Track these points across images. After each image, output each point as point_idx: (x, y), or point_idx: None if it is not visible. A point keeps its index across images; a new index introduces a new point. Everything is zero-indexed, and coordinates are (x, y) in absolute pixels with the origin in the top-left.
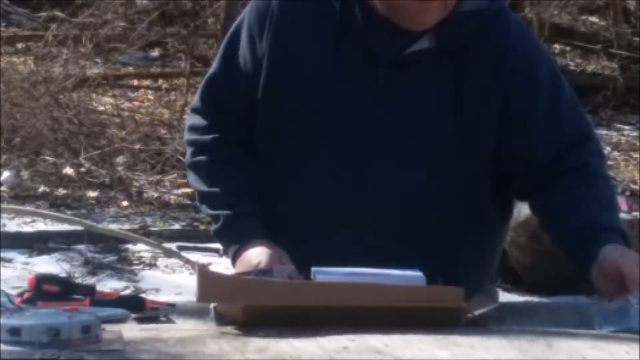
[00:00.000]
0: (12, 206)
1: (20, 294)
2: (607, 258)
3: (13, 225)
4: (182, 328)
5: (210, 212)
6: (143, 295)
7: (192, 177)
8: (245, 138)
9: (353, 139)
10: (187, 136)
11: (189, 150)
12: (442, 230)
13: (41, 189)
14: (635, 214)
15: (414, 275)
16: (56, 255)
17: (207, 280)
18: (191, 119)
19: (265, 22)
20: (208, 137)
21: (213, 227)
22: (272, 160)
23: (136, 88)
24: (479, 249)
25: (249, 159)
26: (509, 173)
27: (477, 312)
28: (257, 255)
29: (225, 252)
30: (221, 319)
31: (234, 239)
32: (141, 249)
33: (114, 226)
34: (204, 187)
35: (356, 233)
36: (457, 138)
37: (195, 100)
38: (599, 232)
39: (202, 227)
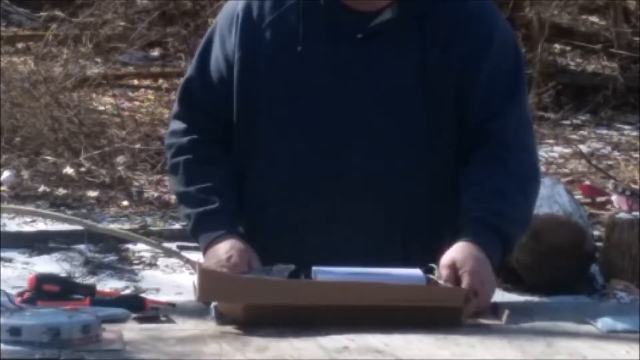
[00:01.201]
0: (12, 206)
1: (20, 294)
2: (447, 254)
3: (13, 225)
4: (182, 328)
5: (185, 212)
6: (143, 295)
7: (171, 180)
8: (222, 138)
9: (329, 118)
10: (167, 141)
11: (168, 154)
12: (419, 193)
13: (41, 188)
14: (635, 213)
15: (414, 275)
16: (56, 255)
17: (208, 279)
18: (172, 125)
19: (233, 20)
20: (185, 139)
21: (188, 226)
22: (251, 150)
23: (136, 88)
24: (455, 210)
25: (225, 157)
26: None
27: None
28: (227, 250)
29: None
30: (221, 319)
31: (205, 236)
32: (141, 248)
33: (114, 226)
34: (180, 188)
35: (335, 204)
36: (427, 101)
37: (174, 106)
38: (470, 223)
39: None
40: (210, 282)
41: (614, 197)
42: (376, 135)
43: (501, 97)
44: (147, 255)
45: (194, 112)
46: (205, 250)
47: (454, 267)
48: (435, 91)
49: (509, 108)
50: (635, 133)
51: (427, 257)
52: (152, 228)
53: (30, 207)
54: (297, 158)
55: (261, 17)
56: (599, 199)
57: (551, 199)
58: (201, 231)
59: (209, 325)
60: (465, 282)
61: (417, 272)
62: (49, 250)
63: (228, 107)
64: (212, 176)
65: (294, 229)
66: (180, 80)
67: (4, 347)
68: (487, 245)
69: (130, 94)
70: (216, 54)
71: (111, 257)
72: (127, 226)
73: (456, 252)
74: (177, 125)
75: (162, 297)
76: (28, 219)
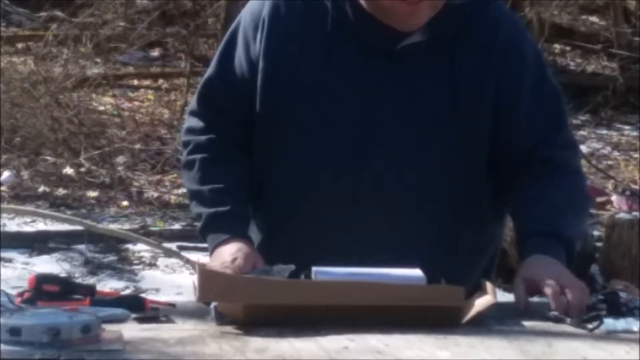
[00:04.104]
0: (12, 206)
1: (20, 294)
2: (523, 271)
3: (13, 225)
4: (182, 328)
5: (196, 210)
6: (143, 295)
7: (185, 176)
8: (241, 139)
9: (353, 133)
10: (184, 138)
11: (184, 151)
12: (440, 216)
13: (41, 189)
14: (635, 214)
15: (414, 275)
16: (56, 255)
17: (208, 279)
18: (188, 122)
19: (259, 25)
20: (204, 137)
21: (198, 225)
22: (273, 157)
23: (136, 88)
24: (476, 236)
25: (242, 159)
26: (492, 159)
27: (475, 312)
28: (232, 253)
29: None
30: (221, 319)
31: (213, 237)
32: (141, 249)
33: (114, 226)
34: (193, 186)
35: (356, 222)
36: (455, 125)
37: (192, 103)
38: (532, 238)
39: None
40: (210, 282)
41: (614, 197)
42: (399, 155)
43: (546, 122)
44: (147, 255)
45: (213, 112)
46: (212, 251)
47: (555, 281)
48: (463, 116)
49: (555, 132)
50: (635, 133)
51: (443, 276)
52: (152, 228)
53: (30, 207)
54: (316, 175)
55: (288, 26)
56: (599, 199)
57: None
58: (210, 232)
59: (209, 325)
60: (571, 296)
61: (417, 272)
62: (49, 250)
63: (249, 108)
64: (227, 177)
65: (313, 233)
66: (180, 80)
67: (4, 347)
68: (556, 254)
69: (130, 94)
70: (239, 56)
71: (111, 257)
72: (127, 226)
73: (540, 266)
74: (195, 122)
75: (162, 297)
76: (28, 219)
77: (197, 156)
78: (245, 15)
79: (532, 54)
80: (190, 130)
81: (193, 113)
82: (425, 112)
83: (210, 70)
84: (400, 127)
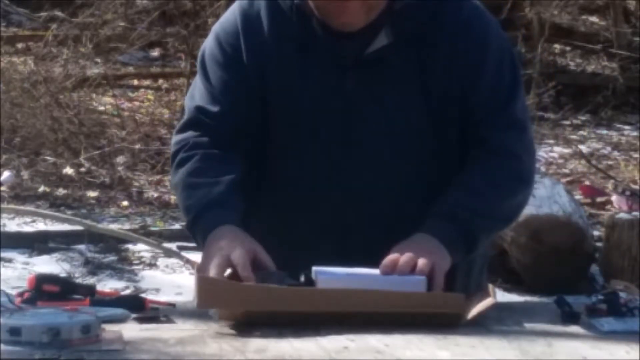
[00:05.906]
0: (12, 206)
1: (20, 294)
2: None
3: (13, 225)
4: (182, 328)
5: (186, 203)
6: (143, 295)
7: (176, 174)
8: (236, 147)
9: (333, 142)
10: (174, 148)
11: (178, 152)
12: (422, 219)
13: (41, 189)
14: (635, 213)
15: (415, 278)
16: (56, 255)
17: (207, 286)
18: (176, 137)
19: (239, 36)
20: (192, 136)
21: (186, 220)
22: (263, 166)
23: (136, 88)
24: None
25: (237, 161)
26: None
27: (475, 312)
28: (229, 239)
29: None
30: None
31: (204, 224)
32: (141, 249)
33: (114, 226)
34: (185, 180)
35: (342, 229)
36: (431, 125)
37: (179, 126)
38: (428, 219)
39: None
40: (209, 289)
41: (614, 197)
42: (377, 162)
43: (494, 105)
44: (147, 255)
45: (204, 130)
46: (204, 242)
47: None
48: (439, 113)
49: (501, 115)
50: (635, 133)
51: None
52: (152, 228)
53: (30, 207)
54: (298, 184)
55: (262, 39)
56: (599, 199)
57: (551, 199)
58: (199, 223)
59: (209, 325)
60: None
61: (418, 275)
62: (49, 250)
63: (237, 122)
64: (221, 174)
65: (306, 239)
66: (180, 80)
67: (4, 347)
68: (441, 233)
69: (130, 94)
70: (222, 76)
71: (111, 257)
72: (127, 226)
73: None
74: (185, 135)
75: (162, 297)
76: (28, 219)
77: (185, 155)
78: (218, 33)
79: (495, 36)
80: (182, 139)
81: (180, 131)
82: (400, 115)
83: (197, 90)
84: (378, 132)
